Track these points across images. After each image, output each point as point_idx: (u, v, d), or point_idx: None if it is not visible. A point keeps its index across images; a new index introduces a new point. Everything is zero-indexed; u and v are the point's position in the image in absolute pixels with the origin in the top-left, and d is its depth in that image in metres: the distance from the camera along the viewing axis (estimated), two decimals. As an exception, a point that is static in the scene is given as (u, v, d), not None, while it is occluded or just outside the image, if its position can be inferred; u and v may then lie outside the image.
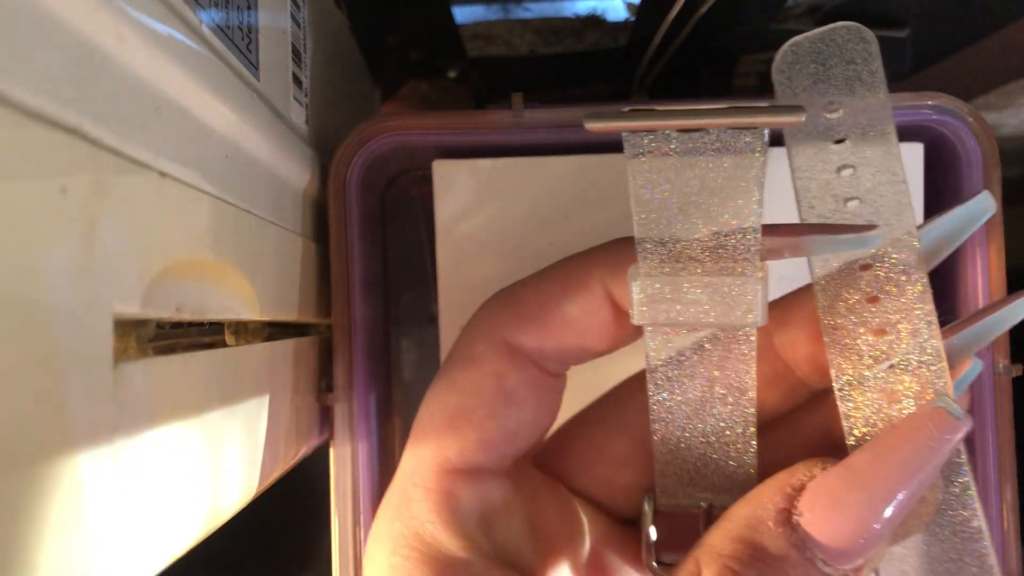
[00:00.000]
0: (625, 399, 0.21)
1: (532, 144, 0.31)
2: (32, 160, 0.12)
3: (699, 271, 0.17)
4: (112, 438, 0.15)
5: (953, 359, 0.17)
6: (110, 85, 0.15)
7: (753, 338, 0.17)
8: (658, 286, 0.17)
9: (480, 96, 0.52)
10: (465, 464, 0.19)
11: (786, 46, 0.17)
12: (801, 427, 0.20)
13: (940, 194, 0.31)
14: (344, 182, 0.30)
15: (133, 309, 0.16)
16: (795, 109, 0.15)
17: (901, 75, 0.43)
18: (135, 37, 0.15)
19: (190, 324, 0.22)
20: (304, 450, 0.29)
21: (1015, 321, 0.18)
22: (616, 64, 0.49)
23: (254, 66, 0.24)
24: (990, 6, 0.38)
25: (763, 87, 0.47)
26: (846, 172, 0.18)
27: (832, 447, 0.19)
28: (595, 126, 0.15)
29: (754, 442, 0.18)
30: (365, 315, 0.31)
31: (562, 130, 0.30)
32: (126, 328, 0.16)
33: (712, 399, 0.18)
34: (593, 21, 0.47)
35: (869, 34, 0.17)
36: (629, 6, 0.46)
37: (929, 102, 0.29)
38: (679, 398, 0.18)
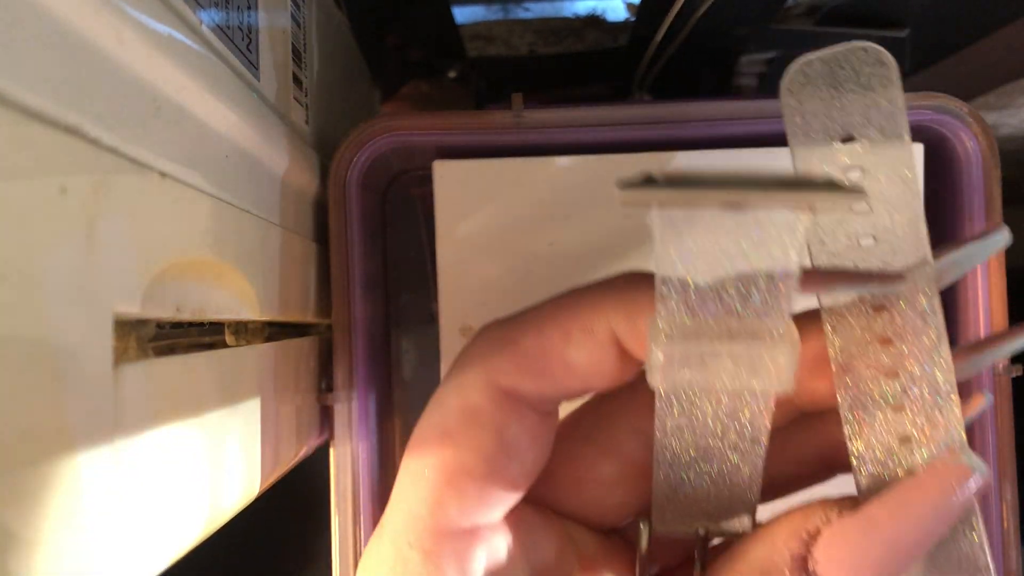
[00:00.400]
0: (613, 417, 0.20)
1: (532, 144, 0.31)
2: (32, 160, 0.12)
3: (725, 330, 0.15)
4: (112, 438, 0.15)
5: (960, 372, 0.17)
6: (110, 85, 0.15)
7: (772, 396, 0.16)
8: (681, 352, 0.15)
9: (480, 96, 0.52)
10: (467, 523, 0.18)
11: (796, 65, 0.16)
12: (796, 442, 0.19)
13: (940, 194, 0.31)
14: (344, 182, 0.30)
15: (133, 309, 0.16)
16: (854, 190, 0.13)
17: (901, 75, 0.43)
18: (135, 37, 0.15)
19: (190, 324, 0.22)
20: (304, 450, 0.29)
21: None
22: (616, 64, 0.49)
23: (254, 66, 0.24)
24: (990, 6, 0.38)
25: (763, 87, 0.47)
26: (861, 207, 0.16)
27: (828, 464, 0.19)
28: (629, 197, 0.13)
29: (760, 481, 0.18)
30: (365, 315, 0.31)
31: (562, 130, 0.30)
32: (126, 328, 0.16)
33: (723, 448, 0.17)
34: (593, 21, 0.47)
35: (888, 57, 0.16)
36: (629, 6, 0.46)
37: (929, 102, 0.29)
38: (688, 446, 0.17)
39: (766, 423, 0.17)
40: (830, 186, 0.13)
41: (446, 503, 0.17)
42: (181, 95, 0.18)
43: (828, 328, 0.17)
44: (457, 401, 0.18)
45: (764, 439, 0.17)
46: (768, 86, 0.47)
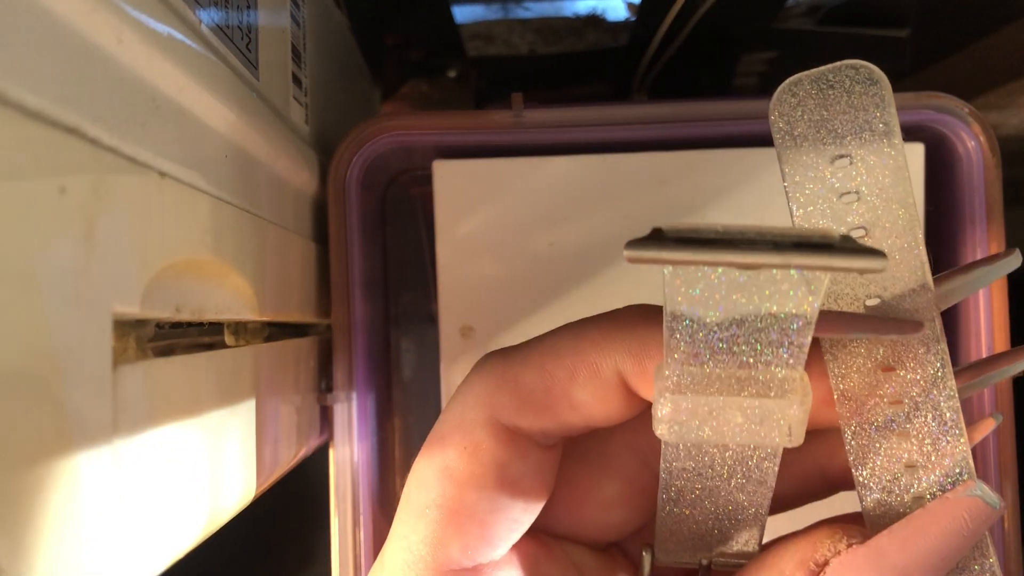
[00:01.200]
0: (609, 436, 0.20)
1: (532, 144, 0.31)
2: (31, 160, 0.12)
3: (734, 380, 0.15)
4: (111, 439, 0.15)
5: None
6: (109, 85, 0.15)
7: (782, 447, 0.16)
8: (690, 406, 0.15)
9: (480, 96, 0.52)
10: (469, 562, 0.17)
11: (784, 86, 0.15)
12: (797, 461, 0.19)
13: (940, 194, 0.31)
14: (344, 182, 0.30)
15: (132, 309, 0.16)
16: (875, 254, 0.12)
17: (901, 75, 0.43)
18: (134, 37, 0.15)
19: (189, 324, 0.22)
20: (304, 451, 0.29)
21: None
22: (616, 64, 0.49)
23: (254, 66, 0.23)
24: (990, 6, 0.38)
25: (763, 87, 0.47)
26: (857, 232, 0.16)
27: (831, 483, 0.19)
28: (636, 256, 0.13)
29: (766, 516, 0.17)
30: (365, 315, 0.31)
31: (562, 130, 0.30)
32: (125, 328, 0.16)
33: (729, 489, 0.17)
34: (593, 20, 0.47)
35: (880, 75, 0.15)
36: (629, 6, 0.46)
37: (929, 102, 0.29)
38: (693, 486, 0.17)
39: (774, 468, 0.16)
40: (849, 249, 0.12)
41: (448, 543, 0.17)
42: (180, 95, 0.18)
43: (828, 356, 0.16)
44: (459, 438, 0.18)
45: (771, 481, 0.17)
46: (768, 86, 0.47)
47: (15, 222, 0.12)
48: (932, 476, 0.16)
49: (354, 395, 0.30)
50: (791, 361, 0.15)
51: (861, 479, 0.16)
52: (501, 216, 0.31)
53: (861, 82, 0.15)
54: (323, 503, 0.30)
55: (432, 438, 0.18)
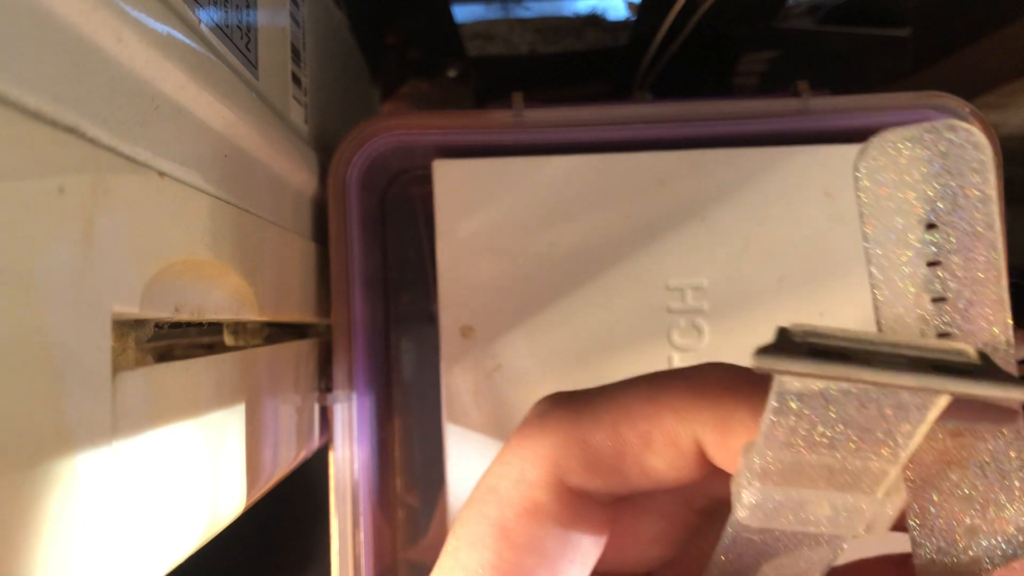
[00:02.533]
0: None
1: (532, 144, 0.30)
2: (30, 160, 0.12)
3: (825, 469, 0.14)
4: (111, 440, 0.15)
5: None
6: (109, 84, 0.15)
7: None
8: (780, 498, 0.14)
9: (480, 96, 0.52)
10: None
11: (874, 142, 0.14)
12: None
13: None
14: (344, 182, 0.30)
15: (132, 309, 0.16)
16: (1017, 384, 0.12)
17: (901, 75, 0.43)
18: (134, 36, 0.15)
19: (189, 324, 0.22)
20: (304, 452, 0.29)
21: None
22: (616, 63, 0.49)
23: (253, 65, 0.23)
24: (990, 6, 0.38)
25: (763, 86, 0.47)
26: (939, 305, 0.15)
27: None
28: (767, 367, 0.12)
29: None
30: (365, 315, 0.31)
31: (562, 130, 0.30)
32: (124, 328, 0.16)
33: (793, 558, 0.17)
34: (593, 20, 0.47)
35: (981, 140, 0.14)
36: (630, 5, 0.46)
37: (930, 101, 0.29)
38: (756, 553, 0.17)
39: (843, 547, 0.16)
40: (990, 376, 0.12)
41: None
42: (180, 94, 0.18)
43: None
44: (518, 496, 0.16)
45: (835, 557, 0.16)
46: (768, 85, 0.47)
47: (14, 222, 0.12)
48: (992, 540, 0.16)
49: (354, 395, 0.30)
50: (891, 457, 0.14)
51: (917, 537, 0.16)
52: (501, 216, 0.30)
53: (960, 147, 0.14)
54: (323, 503, 0.30)
55: (484, 491, 0.17)
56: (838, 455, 0.14)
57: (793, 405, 0.14)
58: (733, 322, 0.30)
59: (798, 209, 0.30)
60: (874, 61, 0.44)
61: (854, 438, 0.14)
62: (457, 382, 0.30)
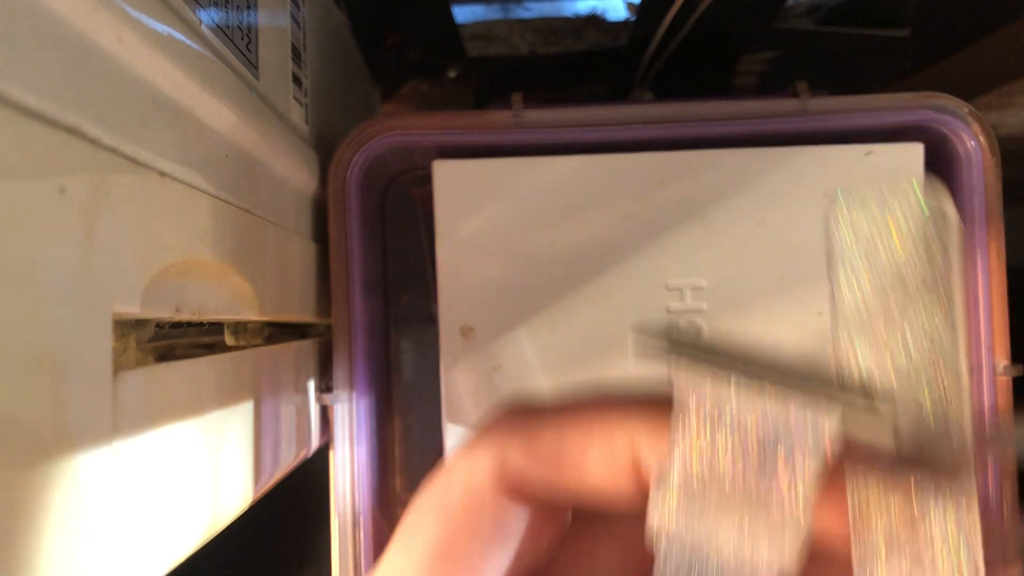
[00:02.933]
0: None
1: (532, 144, 0.31)
2: (31, 160, 0.12)
3: (739, 488, 0.15)
4: (111, 440, 0.15)
5: None
6: (109, 85, 0.15)
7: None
8: (689, 516, 0.15)
9: (480, 96, 0.52)
10: None
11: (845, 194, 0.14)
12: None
13: (940, 194, 0.31)
14: (344, 182, 0.30)
15: (132, 309, 0.16)
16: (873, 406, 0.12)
17: (901, 75, 0.43)
18: (134, 37, 0.15)
19: (189, 324, 0.22)
20: (304, 452, 0.29)
21: None
22: (616, 64, 0.49)
23: (254, 66, 0.23)
24: (990, 6, 0.38)
25: (763, 87, 0.47)
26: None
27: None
28: (643, 350, 0.13)
29: None
30: (365, 315, 0.31)
31: (562, 130, 0.30)
32: (125, 328, 0.16)
33: None
34: (593, 21, 0.47)
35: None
36: (629, 6, 0.46)
37: (929, 102, 0.29)
38: None
39: None
40: (865, 405, 0.12)
41: None
42: (180, 95, 0.18)
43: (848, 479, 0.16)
44: (463, 478, 0.18)
45: None
46: (768, 86, 0.47)
47: (15, 222, 0.12)
48: None
49: (354, 395, 0.30)
50: (799, 486, 0.14)
51: None
52: (501, 216, 0.31)
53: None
54: (323, 503, 0.30)
55: (439, 472, 0.18)
56: (746, 477, 0.14)
57: (693, 404, 0.14)
58: (732, 322, 0.30)
59: (797, 209, 0.30)
60: (874, 61, 0.44)
61: (759, 457, 0.14)
62: (457, 382, 0.31)
